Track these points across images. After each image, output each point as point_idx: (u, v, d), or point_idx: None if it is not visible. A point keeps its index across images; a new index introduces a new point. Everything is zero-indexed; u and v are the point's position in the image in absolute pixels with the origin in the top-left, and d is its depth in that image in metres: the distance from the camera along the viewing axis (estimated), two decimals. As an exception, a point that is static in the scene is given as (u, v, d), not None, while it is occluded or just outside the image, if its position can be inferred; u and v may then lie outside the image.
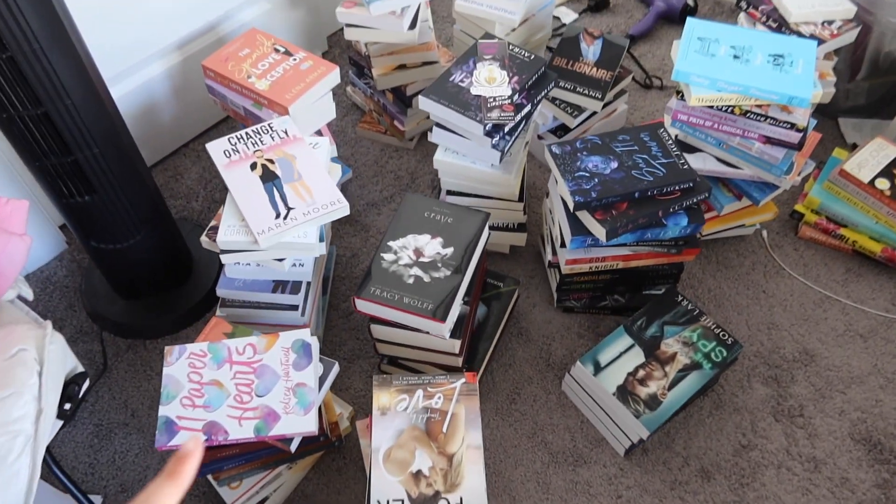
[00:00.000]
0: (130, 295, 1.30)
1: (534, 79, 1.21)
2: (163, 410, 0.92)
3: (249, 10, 1.56)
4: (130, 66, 1.39)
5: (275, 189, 1.06)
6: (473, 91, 1.18)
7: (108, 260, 1.23)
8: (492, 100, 1.16)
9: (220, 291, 1.13)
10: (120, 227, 1.14)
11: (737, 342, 1.14)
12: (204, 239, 1.07)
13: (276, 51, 1.31)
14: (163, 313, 1.29)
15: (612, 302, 1.29)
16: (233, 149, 1.11)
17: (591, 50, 1.48)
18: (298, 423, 0.91)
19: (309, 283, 1.14)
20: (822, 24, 1.38)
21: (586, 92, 1.40)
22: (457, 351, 1.08)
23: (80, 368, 0.78)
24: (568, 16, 1.90)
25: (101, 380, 1.23)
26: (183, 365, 0.96)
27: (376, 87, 1.47)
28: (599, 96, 1.40)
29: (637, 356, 1.12)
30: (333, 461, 1.13)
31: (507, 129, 1.17)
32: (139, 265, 1.24)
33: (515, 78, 1.20)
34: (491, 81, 1.19)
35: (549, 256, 1.29)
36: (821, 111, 1.65)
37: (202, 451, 0.40)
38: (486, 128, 1.14)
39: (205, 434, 0.90)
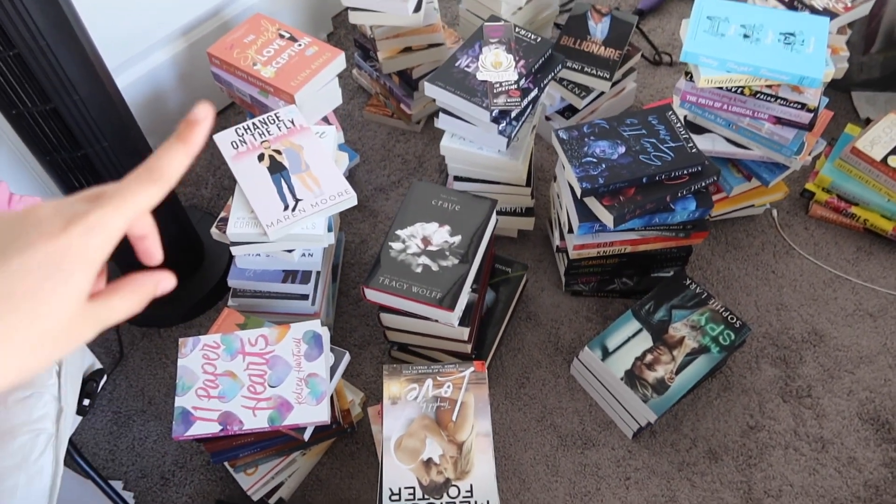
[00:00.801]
0: (144, 284, 1.31)
1: (540, 62, 1.20)
2: (179, 401, 0.95)
3: (254, -7, 1.55)
4: (135, 54, 1.39)
5: (282, 180, 1.07)
6: (479, 76, 1.17)
7: (120, 251, 1.24)
8: (498, 85, 1.15)
9: (232, 282, 1.14)
10: (131, 218, 1.15)
11: (745, 325, 1.15)
12: (214, 231, 1.08)
13: (281, 36, 1.30)
14: (176, 302, 1.31)
15: (621, 285, 1.29)
16: (240, 140, 1.12)
17: (598, 28, 1.46)
18: (311, 413, 0.93)
19: (318, 273, 1.15)
20: (836, -4, 1.35)
21: (594, 72, 1.39)
22: (466, 338, 1.09)
23: (98, 365, 0.79)
24: (576, -9, 1.87)
25: (117, 368, 1.26)
26: (197, 356, 0.98)
27: (382, 70, 1.47)
28: (608, 76, 1.38)
29: (645, 341, 1.13)
30: (346, 446, 1.16)
31: (513, 114, 1.16)
32: (151, 255, 1.25)
33: (522, 62, 1.19)
34: (497, 66, 1.18)
35: (556, 241, 1.29)
36: (833, 85, 1.62)
37: (213, 118, 0.38)
38: (493, 114, 1.13)
39: (220, 424, 0.93)
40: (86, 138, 1.02)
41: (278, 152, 1.10)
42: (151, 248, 0.39)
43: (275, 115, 1.15)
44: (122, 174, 1.13)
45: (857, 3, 1.34)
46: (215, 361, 0.98)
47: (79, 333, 0.34)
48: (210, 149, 1.57)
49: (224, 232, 1.05)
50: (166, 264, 1.34)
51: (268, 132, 1.12)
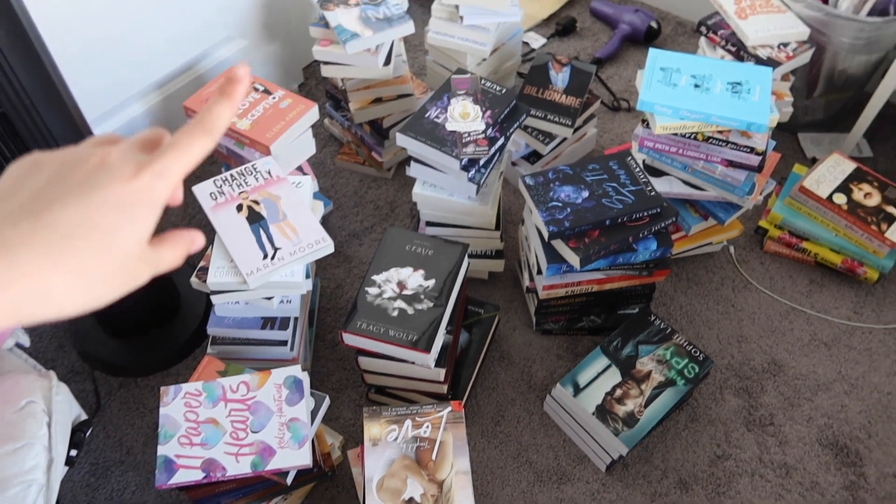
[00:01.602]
0: (120, 334, 1.32)
1: (506, 112, 1.27)
2: (161, 449, 0.96)
3: (227, 47, 1.60)
4: (112, 107, 1.42)
5: (261, 230, 1.10)
6: (448, 127, 1.23)
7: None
8: (466, 135, 1.21)
9: (211, 330, 1.16)
10: (109, 269, 1.17)
11: (708, 358, 1.20)
12: (194, 280, 1.11)
13: (256, 90, 1.35)
14: (153, 351, 1.32)
15: (589, 323, 1.34)
16: (218, 191, 1.15)
17: (559, 77, 1.54)
18: (293, 457, 0.95)
19: (297, 319, 1.18)
20: (778, 46, 1.45)
21: (557, 119, 1.46)
22: (442, 379, 1.12)
23: (84, 416, 0.81)
24: (536, 41, 1.96)
25: (94, 418, 1.26)
26: (179, 404, 1.00)
27: (353, 120, 1.52)
28: (570, 123, 1.46)
29: (614, 376, 1.17)
30: (327, 490, 1.17)
31: (482, 162, 1.22)
32: (129, 304, 1.26)
33: (488, 112, 1.25)
34: (465, 117, 1.24)
35: (526, 282, 1.34)
36: (781, 127, 1.72)
37: (249, 78, 0.42)
38: (462, 163, 1.19)
39: (203, 471, 0.94)
40: (66, 193, 1.05)
41: (256, 203, 1.13)
42: (178, 192, 0.43)
43: (252, 166, 1.19)
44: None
45: (798, 52, 1.44)
46: (197, 409, 0.99)
47: (138, 273, 0.37)
48: (185, 199, 1.59)
49: (204, 281, 1.08)
50: (143, 314, 1.36)
51: (245, 183, 1.16)
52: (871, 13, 1.50)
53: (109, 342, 1.32)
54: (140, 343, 1.32)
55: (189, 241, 0.42)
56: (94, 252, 0.34)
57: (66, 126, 1.00)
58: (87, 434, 0.80)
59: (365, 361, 1.14)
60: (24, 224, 0.33)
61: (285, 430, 0.97)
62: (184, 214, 1.56)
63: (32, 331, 1.37)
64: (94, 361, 1.32)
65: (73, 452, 0.76)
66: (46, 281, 0.33)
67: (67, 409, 0.76)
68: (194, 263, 1.47)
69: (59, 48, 1.18)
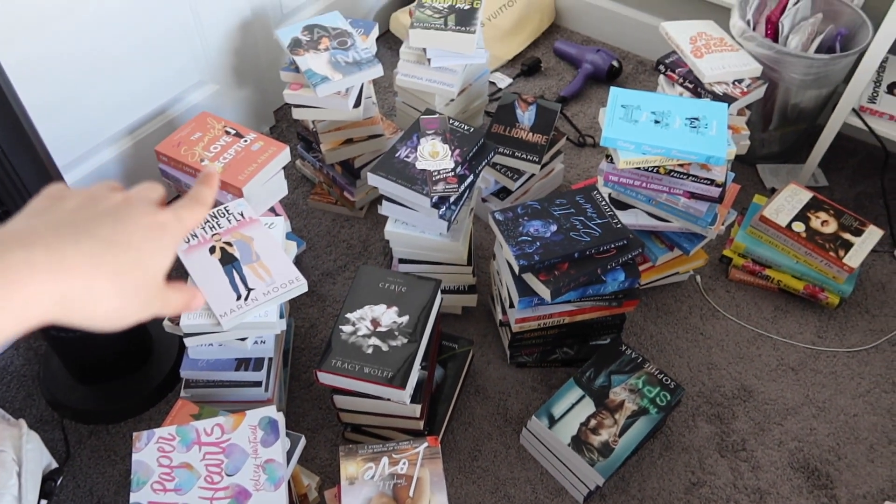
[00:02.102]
0: (90, 380, 1.31)
1: (474, 150, 1.30)
2: (134, 497, 0.94)
3: (198, 92, 1.62)
4: (83, 153, 1.43)
5: (234, 271, 1.10)
6: (419, 165, 1.25)
7: (66, 347, 1.24)
8: (436, 173, 1.24)
9: (184, 373, 1.16)
10: (80, 315, 1.16)
11: (679, 386, 1.22)
12: (167, 323, 1.11)
13: (228, 133, 1.37)
14: (124, 397, 1.30)
15: (562, 355, 1.36)
16: (191, 234, 1.15)
17: (526, 115, 1.58)
18: (269, 499, 0.94)
19: (271, 359, 1.18)
20: (733, 82, 1.51)
21: (524, 156, 1.50)
22: (418, 415, 1.13)
23: (55, 464, 0.80)
24: (503, 81, 2.01)
25: (64, 467, 1.23)
26: (152, 450, 0.99)
27: (325, 161, 1.54)
28: (537, 160, 1.49)
29: (588, 406, 1.19)
30: (304, 532, 1.16)
31: (452, 199, 1.25)
32: (99, 350, 1.26)
33: (457, 151, 1.28)
34: (434, 156, 1.27)
35: (499, 315, 1.36)
36: (740, 160, 1.78)
37: (219, 182, 0.47)
38: (433, 200, 1.21)
39: (177, 518, 0.92)
40: (37, 239, 1.04)
41: (229, 244, 1.14)
42: (199, 296, 0.48)
43: (224, 208, 1.19)
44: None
45: (752, 88, 1.51)
46: (171, 454, 0.98)
47: (152, 302, 0.39)
48: (156, 242, 1.59)
49: (177, 324, 1.08)
50: (114, 359, 1.35)
51: (218, 225, 1.17)
52: (818, 50, 1.58)
53: (79, 389, 1.30)
54: (111, 389, 1.31)
55: (193, 294, 0.46)
56: (129, 264, 0.37)
57: (37, 172, 1.01)
58: (58, 483, 0.78)
59: (340, 400, 1.14)
60: (68, 230, 0.36)
61: (261, 471, 0.97)
62: (155, 258, 1.55)
63: (0, 379, 1.35)
64: (63, 409, 1.29)
65: (44, 502, 0.75)
66: (92, 279, 0.35)
67: (38, 457, 0.75)
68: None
69: (29, 94, 1.20)
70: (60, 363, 1.32)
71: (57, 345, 1.24)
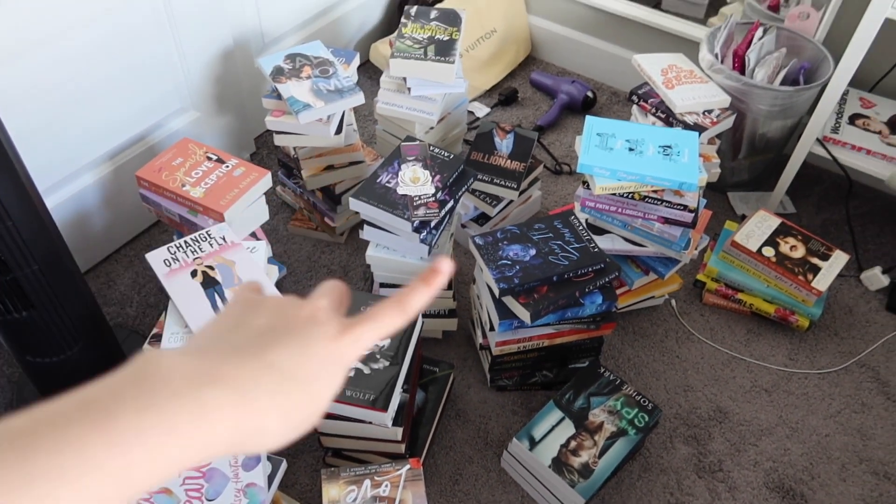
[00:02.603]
0: (66, 407, 1.28)
1: (454, 176, 1.33)
2: (111, 524, 0.93)
3: (179, 119, 1.63)
4: (63, 178, 1.42)
5: (216, 294, 1.11)
6: (400, 191, 1.27)
7: (43, 374, 1.22)
8: (417, 198, 1.26)
9: (164, 397, 1.15)
10: (58, 340, 1.15)
11: (656, 407, 1.24)
12: (147, 347, 1.10)
13: (209, 159, 1.38)
14: (101, 423, 1.28)
15: (542, 378, 1.37)
16: (172, 258, 1.16)
17: (504, 143, 1.62)
18: (250, 524, 0.94)
19: (252, 383, 1.17)
20: (703, 113, 1.57)
21: (503, 183, 1.53)
22: (399, 438, 1.13)
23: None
24: (481, 110, 2.06)
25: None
26: (130, 475, 0.97)
27: (306, 187, 1.55)
28: (515, 186, 1.52)
29: (568, 428, 1.20)
30: (284, 559, 1.14)
31: (433, 224, 1.27)
32: (76, 377, 1.23)
33: (437, 176, 1.31)
34: (415, 181, 1.29)
35: (479, 339, 1.37)
36: (711, 187, 1.84)
37: (452, 271, 0.44)
38: (414, 224, 1.23)
39: (156, 544, 0.91)
40: (16, 262, 1.04)
41: (211, 268, 1.14)
42: None
43: (206, 232, 1.20)
44: (51, 295, 1.13)
45: (721, 118, 1.56)
46: (150, 479, 0.97)
47: (310, 425, 0.39)
48: (135, 266, 1.58)
49: (157, 348, 1.07)
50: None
51: (200, 249, 1.17)
52: (783, 83, 1.65)
53: (54, 416, 1.28)
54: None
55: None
56: (303, 403, 0.37)
57: (18, 196, 1.00)
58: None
59: (322, 423, 1.14)
60: (252, 363, 0.36)
61: (241, 496, 0.96)
62: (133, 284, 1.55)
63: (-28, 407, 1.32)
64: (37, 437, 1.27)
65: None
66: (266, 418, 0.35)
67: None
68: (145, 332, 1.46)
69: (12, 118, 1.20)
70: (35, 391, 1.30)
71: (31, 371, 1.22)
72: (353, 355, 0.40)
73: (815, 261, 1.50)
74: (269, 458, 1.04)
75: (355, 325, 0.40)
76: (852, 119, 1.69)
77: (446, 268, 0.43)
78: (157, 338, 1.10)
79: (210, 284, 1.12)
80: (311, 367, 0.37)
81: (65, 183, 1.44)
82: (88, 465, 0.29)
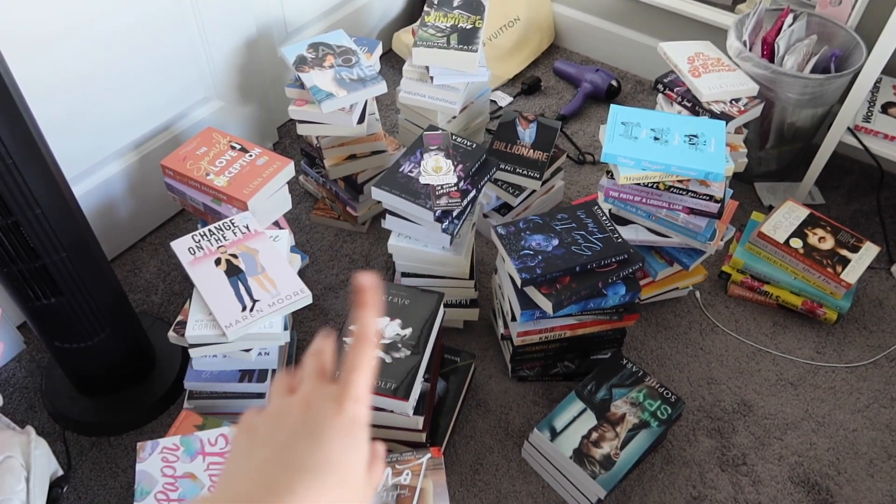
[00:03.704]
0: (93, 392, 1.31)
1: (477, 166, 1.32)
2: (137, 507, 0.94)
3: (203, 108, 1.64)
4: (89, 167, 1.44)
5: (239, 283, 1.12)
6: (422, 180, 1.27)
7: (71, 359, 1.24)
8: (439, 188, 1.26)
9: (188, 384, 1.16)
10: (85, 326, 1.17)
11: (680, 399, 1.23)
12: (172, 334, 1.11)
13: (233, 148, 1.38)
14: (126, 409, 1.30)
15: (563, 368, 1.37)
16: (197, 246, 1.17)
17: (527, 133, 1.60)
18: (273, 510, 0.95)
19: (275, 371, 1.19)
20: (731, 101, 1.54)
21: (525, 173, 1.52)
22: (420, 427, 1.13)
23: (61, 471, 0.80)
24: (503, 99, 2.04)
25: (69, 476, 1.23)
26: (156, 460, 0.99)
27: (328, 176, 1.56)
28: (538, 176, 1.51)
29: (589, 419, 1.19)
30: (306, 545, 1.15)
31: (455, 213, 1.26)
32: (103, 362, 1.26)
33: (460, 166, 1.30)
34: (438, 171, 1.29)
35: (501, 329, 1.37)
36: (738, 177, 1.81)
37: (376, 282, 0.43)
38: (436, 214, 1.23)
39: (180, 528, 0.93)
40: (45, 249, 1.05)
41: (235, 256, 1.15)
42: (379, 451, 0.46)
43: (230, 221, 1.21)
44: (78, 282, 1.15)
45: (749, 107, 1.53)
46: (174, 464, 0.99)
47: (366, 495, 0.40)
48: (160, 255, 1.60)
49: (182, 335, 1.09)
50: (117, 372, 1.35)
51: (224, 238, 1.18)
52: (813, 71, 1.61)
53: (82, 401, 1.31)
54: (114, 401, 1.31)
55: (379, 451, 0.45)
56: (339, 482, 0.38)
57: (46, 184, 1.02)
58: (64, 490, 0.79)
59: (343, 412, 1.15)
60: (279, 475, 0.37)
61: (265, 482, 0.97)
62: (158, 272, 1.57)
63: (3, 391, 1.35)
64: (65, 421, 1.30)
65: (51, 508, 0.75)
66: None
67: (46, 463, 0.75)
68: (170, 320, 1.48)
69: (41, 108, 1.22)
70: (63, 375, 1.33)
71: (60, 356, 1.24)
72: (361, 414, 0.40)
73: (844, 252, 1.47)
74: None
75: (346, 387, 0.40)
76: (885, 108, 1.65)
77: (367, 280, 0.43)
78: (182, 324, 1.11)
79: (233, 272, 1.13)
80: (331, 450, 0.38)
81: (92, 171, 1.46)
82: None
